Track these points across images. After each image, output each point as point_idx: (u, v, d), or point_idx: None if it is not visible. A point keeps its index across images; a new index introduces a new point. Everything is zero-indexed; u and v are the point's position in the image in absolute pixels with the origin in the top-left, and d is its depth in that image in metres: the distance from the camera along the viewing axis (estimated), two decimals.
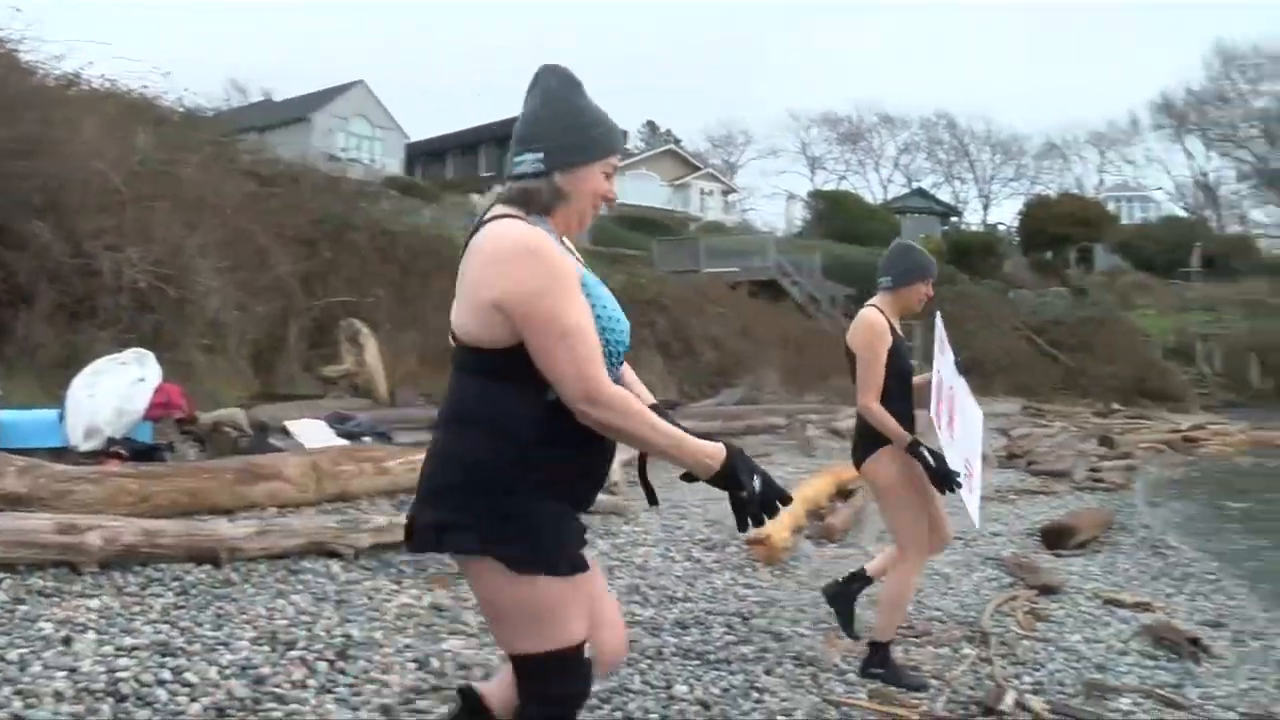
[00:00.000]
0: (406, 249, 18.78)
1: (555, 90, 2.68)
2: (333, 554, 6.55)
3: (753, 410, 19.59)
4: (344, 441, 10.02)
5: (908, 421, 4.86)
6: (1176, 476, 19.23)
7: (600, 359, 2.48)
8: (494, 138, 50.47)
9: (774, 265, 33.59)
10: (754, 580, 7.35)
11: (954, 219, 62.10)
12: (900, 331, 4.99)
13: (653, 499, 2.83)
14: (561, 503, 2.58)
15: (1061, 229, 44.67)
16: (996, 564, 8.41)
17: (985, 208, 70.45)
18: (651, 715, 4.60)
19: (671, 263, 32.56)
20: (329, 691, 4.46)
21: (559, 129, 2.61)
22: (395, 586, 6.16)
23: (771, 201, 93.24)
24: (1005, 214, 69.83)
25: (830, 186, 65.04)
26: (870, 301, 5.02)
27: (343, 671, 4.69)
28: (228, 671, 4.51)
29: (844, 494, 10.80)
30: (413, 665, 4.86)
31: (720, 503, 10.25)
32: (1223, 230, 59.71)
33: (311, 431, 10.23)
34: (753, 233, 46.81)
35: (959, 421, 4.97)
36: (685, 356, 23.50)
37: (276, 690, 4.39)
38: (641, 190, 53.54)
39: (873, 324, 4.84)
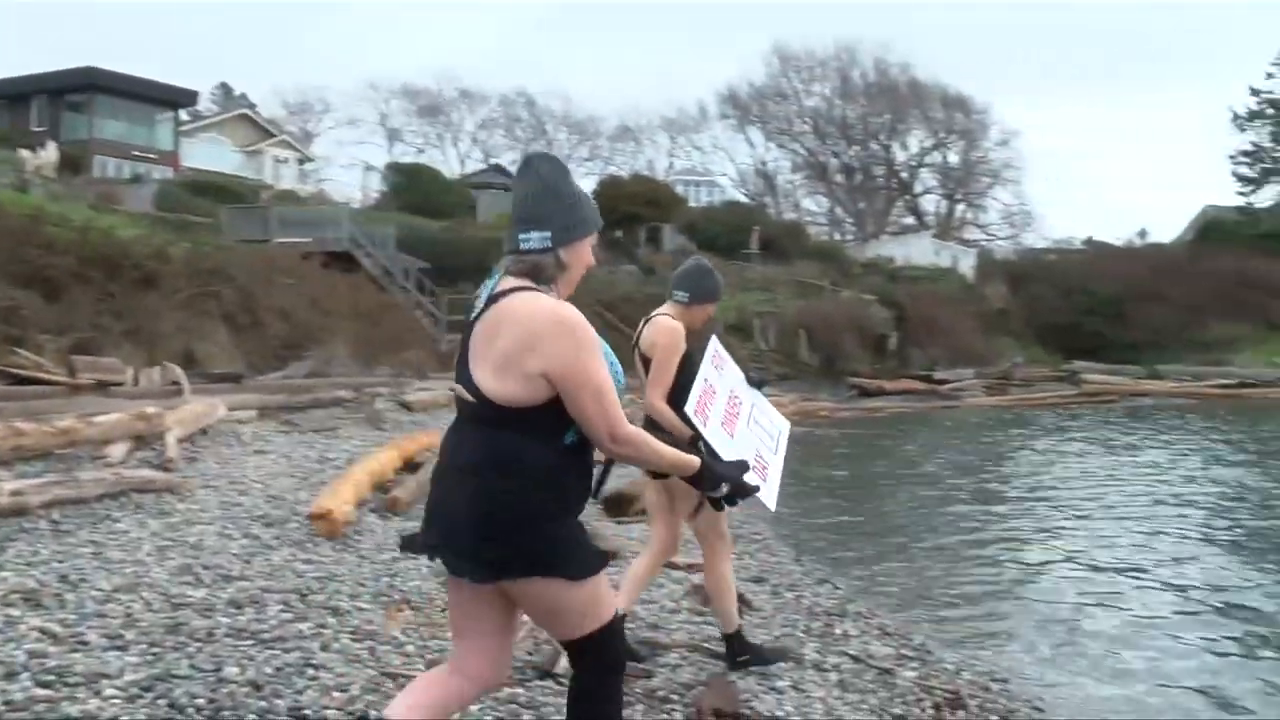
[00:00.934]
0: None
1: (550, 176, 3.15)
2: None
3: (320, 383, 19.22)
4: None
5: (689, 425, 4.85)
6: None
7: (619, 404, 3.04)
8: (49, 89, 46.23)
9: (348, 237, 32.91)
10: (314, 555, 7.19)
11: None
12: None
13: (597, 493, 3.30)
14: (575, 516, 3.16)
15: (633, 209, 46.53)
16: None
17: None
18: (199, 700, 4.40)
19: (241, 231, 31.20)
20: None
21: (559, 210, 3.10)
22: None
23: (348, 172, 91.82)
24: None
25: (408, 159, 64.47)
26: (663, 310, 5.29)
27: None
28: None
29: (410, 466, 10.77)
30: None
31: (279, 479, 9.86)
32: (779, 216, 64.38)
33: None
34: (328, 203, 45.62)
35: (741, 425, 4.84)
36: (252, 328, 22.67)
37: None
38: (212, 155, 51.00)
39: (675, 330, 5.14)
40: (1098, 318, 46.12)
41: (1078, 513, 12.68)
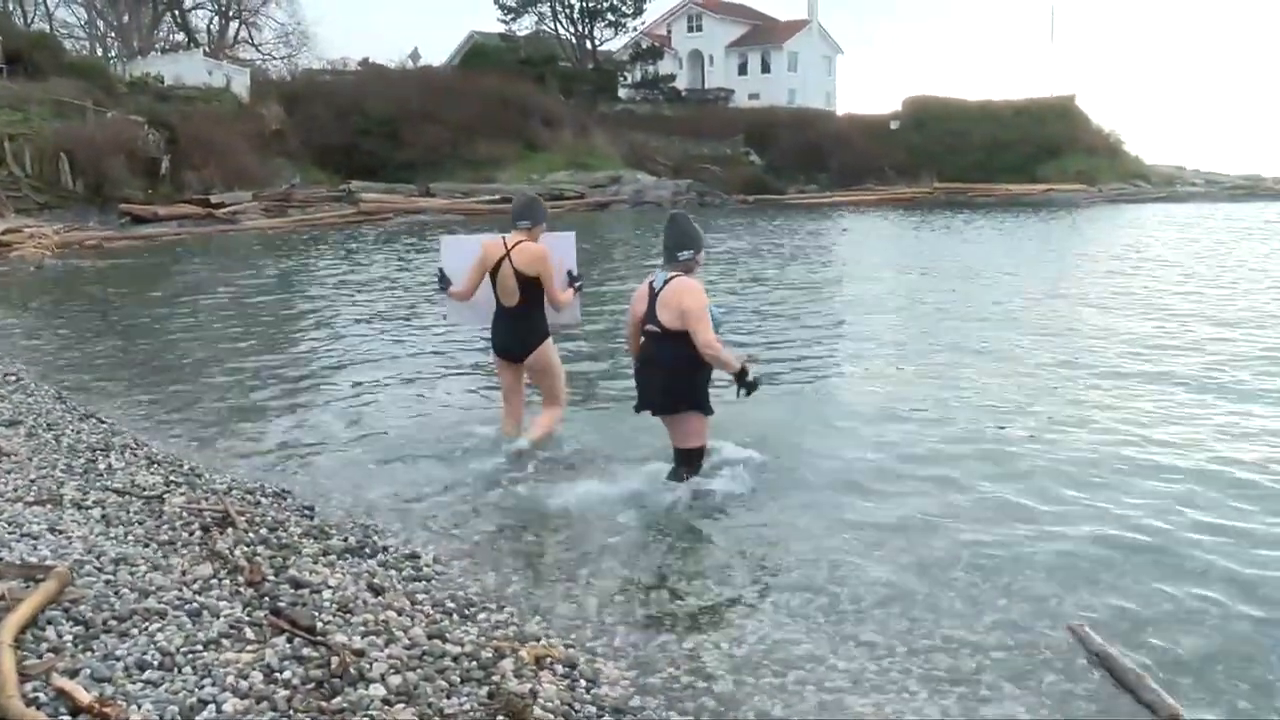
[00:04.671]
0: None
1: (689, 224, 6.43)
2: None
3: None
4: None
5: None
6: None
7: (712, 330, 6.14)
8: None
9: None
10: None
11: None
12: None
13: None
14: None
15: None
16: None
17: None
18: None
19: None
20: None
21: (695, 240, 6.38)
22: None
23: None
24: None
25: None
26: (522, 238, 7.03)
27: None
28: None
29: None
30: None
31: None
32: (28, 26, 58.04)
33: None
34: None
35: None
36: None
37: None
38: None
39: (545, 252, 7.04)
40: (373, 138, 47.04)
41: (357, 321, 13.13)
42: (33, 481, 5.82)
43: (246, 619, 3.95)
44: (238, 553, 4.78)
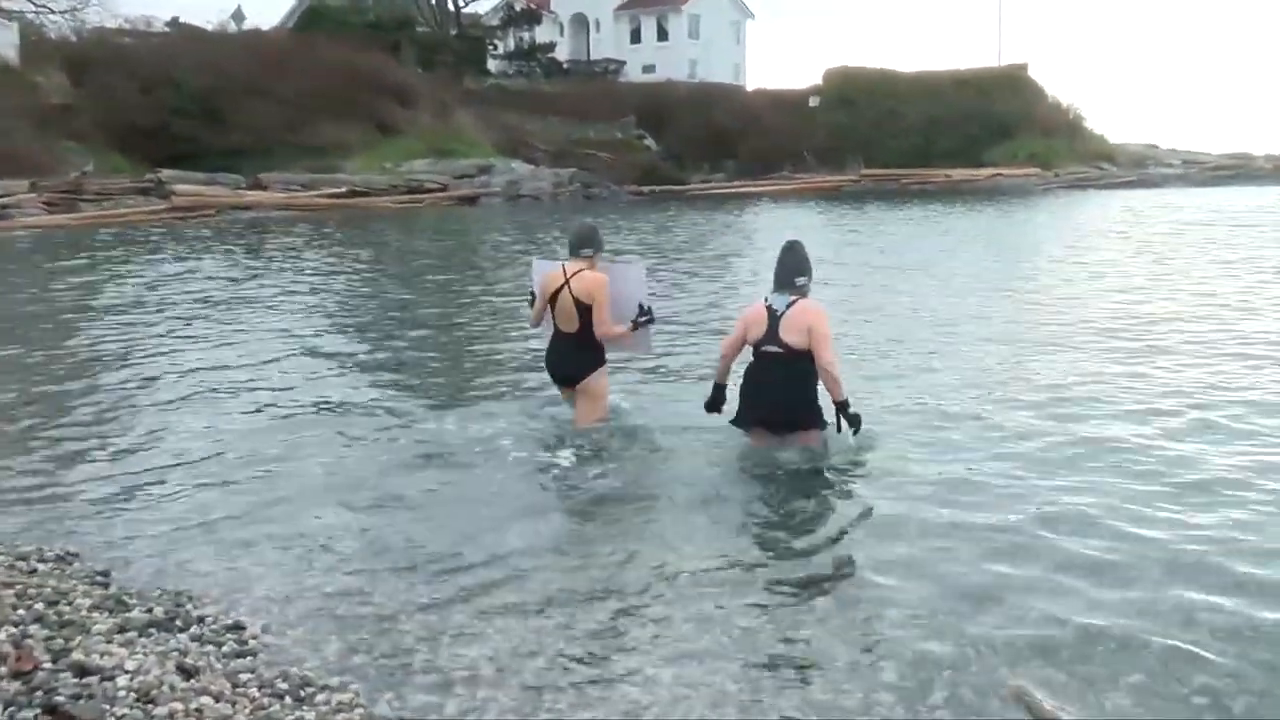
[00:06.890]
0: None
1: (803, 252, 7.95)
2: None
3: None
4: None
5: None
6: None
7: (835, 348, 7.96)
8: None
9: None
10: None
11: None
12: None
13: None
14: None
15: None
16: None
17: None
18: None
19: None
20: None
21: (809, 267, 7.92)
22: None
23: None
24: None
25: None
26: (581, 266, 8.26)
27: None
28: None
29: None
30: None
31: None
32: None
33: None
34: None
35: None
36: None
37: None
38: None
39: (602, 281, 8.21)
40: (188, 118, 45.93)
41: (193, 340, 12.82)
42: None
43: None
44: (2, 635, 4.54)
